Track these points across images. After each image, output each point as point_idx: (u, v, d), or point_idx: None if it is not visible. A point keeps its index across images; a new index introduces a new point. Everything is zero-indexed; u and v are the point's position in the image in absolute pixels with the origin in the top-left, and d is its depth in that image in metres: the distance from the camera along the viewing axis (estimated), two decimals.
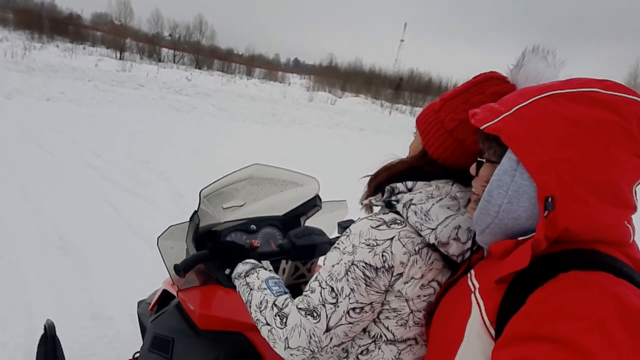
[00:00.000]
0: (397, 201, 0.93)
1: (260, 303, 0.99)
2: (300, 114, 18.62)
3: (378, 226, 0.89)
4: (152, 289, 1.87)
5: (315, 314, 0.89)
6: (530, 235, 0.68)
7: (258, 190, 1.59)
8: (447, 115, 0.93)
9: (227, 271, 1.13)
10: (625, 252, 0.67)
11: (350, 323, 0.88)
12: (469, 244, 0.88)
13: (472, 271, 0.80)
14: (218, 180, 1.43)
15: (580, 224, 0.65)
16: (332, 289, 0.88)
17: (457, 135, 0.92)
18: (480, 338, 0.69)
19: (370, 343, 0.93)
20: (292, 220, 1.64)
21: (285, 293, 1.02)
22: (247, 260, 1.13)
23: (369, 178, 1.03)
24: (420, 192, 0.92)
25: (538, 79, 0.83)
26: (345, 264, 0.88)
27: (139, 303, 1.87)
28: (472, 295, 0.74)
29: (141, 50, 51.07)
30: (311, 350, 0.89)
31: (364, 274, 0.86)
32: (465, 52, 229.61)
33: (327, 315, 0.88)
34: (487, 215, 0.73)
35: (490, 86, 0.92)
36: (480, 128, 0.73)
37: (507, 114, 0.70)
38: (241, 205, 1.57)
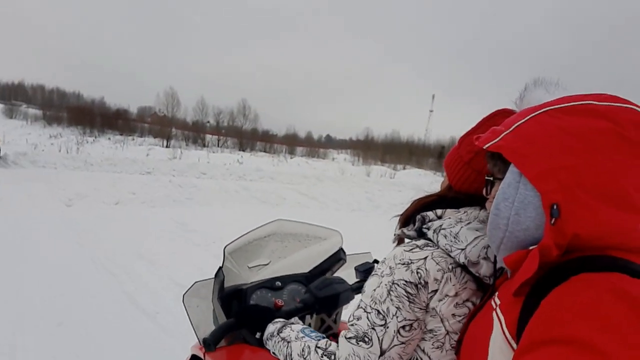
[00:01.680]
0: (428, 229, 0.96)
1: (302, 350, 0.99)
2: (385, 194, 15.83)
3: (411, 249, 0.93)
4: None
5: (367, 339, 0.89)
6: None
7: (282, 247, 1.58)
8: (465, 149, 1.03)
9: (258, 335, 1.12)
10: None
11: (403, 343, 0.89)
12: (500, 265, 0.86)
13: (496, 292, 0.80)
14: (242, 236, 1.43)
15: (589, 229, 0.65)
16: (379, 311, 0.89)
17: (474, 165, 1.00)
18: (503, 352, 0.69)
19: None
20: (317, 276, 1.57)
21: (324, 337, 1.02)
22: (277, 320, 1.13)
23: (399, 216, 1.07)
24: (450, 218, 0.96)
25: None
26: (386, 285, 0.90)
27: None
28: (494, 312, 0.75)
29: (186, 138, 51.68)
30: None
31: (405, 291, 0.88)
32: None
33: (379, 338, 0.88)
34: (497, 229, 0.74)
35: (499, 120, 0.92)
36: (484, 148, 0.76)
37: (507, 132, 0.74)
38: (266, 264, 1.55)
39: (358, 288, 1.36)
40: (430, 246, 0.93)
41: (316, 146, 68.33)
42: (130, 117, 61.42)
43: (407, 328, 0.89)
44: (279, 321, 1.13)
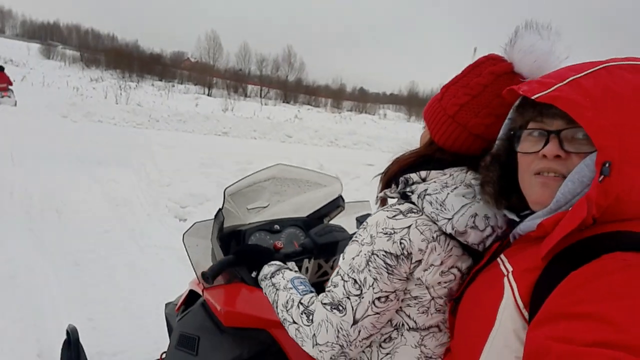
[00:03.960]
0: (412, 192, 0.90)
1: (287, 302, 0.98)
2: None
3: (394, 216, 0.87)
4: None
5: (340, 307, 0.87)
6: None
7: (282, 191, 1.56)
8: (449, 101, 0.93)
9: (254, 274, 1.12)
10: None
11: (377, 313, 0.86)
12: (487, 231, 0.85)
13: (504, 257, 0.76)
14: (242, 179, 1.43)
15: (632, 193, 0.63)
16: (355, 280, 0.87)
17: (459, 119, 0.91)
18: (514, 321, 0.66)
19: (393, 331, 0.91)
20: (315, 221, 1.59)
21: (311, 292, 1.00)
22: (273, 262, 1.12)
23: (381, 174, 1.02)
24: (435, 182, 0.90)
25: (533, 52, 0.84)
26: (365, 254, 0.86)
27: (166, 305, 1.81)
28: (505, 278, 0.70)
29: (228, 87, 48.18)
30: (340, 345, 0.87)
31: (384, 262, 0.84)
32: None
33: (352, 308, 0.86)
34: (571, 194, 0.67)
35: (486, 67, 0.91)
36: (532, 97, 0.70)
37: (561, 84, 0.68)
38: (265, 207, 1.54)
39: None
40: (415, 212, 0.87)
41: (362, 100, 63.65)
42: (165, 62, 57.73)
43: (383, 299, 0.86)
44: (274, 264, 1.11)
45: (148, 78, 42.67)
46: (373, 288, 0.85)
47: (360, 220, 1.47)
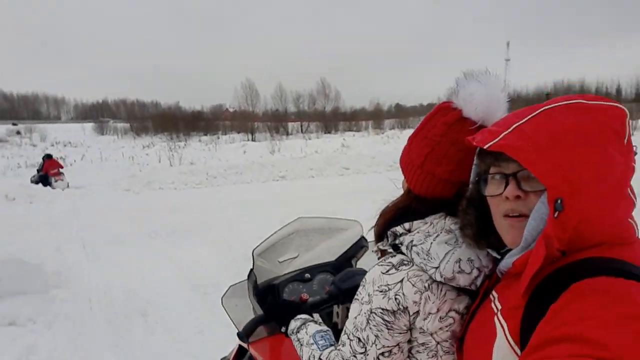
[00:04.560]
0: (401, 244, 0.94)
1: (309, 358, 1.04)
2: None
3: (388, 271, 0.91)
4: None
5: None
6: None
7: (308, 241, 1.63)
8: (415, 152, 0.99)
9: (283, 329, 1.18)
10: (634, 251, 0.70)
11: None
12: (475, 273, 0.88)
13: (495, 294, 0.80)
14: (267, 238, 1.48)
15: (589, 222, 0.68)
16: (359, 339, 0.91)
17: (427, 168, 0.96)
18: (507, 358, 0.69)
19: None
20: (344, 263, 1.63)
21: (331, 345, 1.05)
22: (299, 317, 1.17)
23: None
24: (418, 232, 0.93)
25: (474, 98, 0.91)
26: (365, 313, 0.90)
27: None
28: (495, 317, 0.75)
29: (269, 128, 48.95)
30: None
31: (383, 319, 0.88)
32: (582, 52, 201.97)
33: None
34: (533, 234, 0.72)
35: (439, 118, 0.97)
36: (484, 147, 0.76)
37: (506, 132, 0.74)
38: (295, 257, 1.60)
39: None
40: (406, 263, 0.91)
41: (401, 116, 62.46)
42: (206, 117, 60.02)
43: (387, 354, 0.89)
44: (300, 318, 1.16)
45: (194, 135, 44.17)
46: (376, 345, 0.89)
47: None
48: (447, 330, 0.89)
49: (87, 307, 3.62)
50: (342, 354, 0.94)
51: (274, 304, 1.23)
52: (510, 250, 0.78)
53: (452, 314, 0.88)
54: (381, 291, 0.88)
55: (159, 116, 51.08)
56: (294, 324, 1.15)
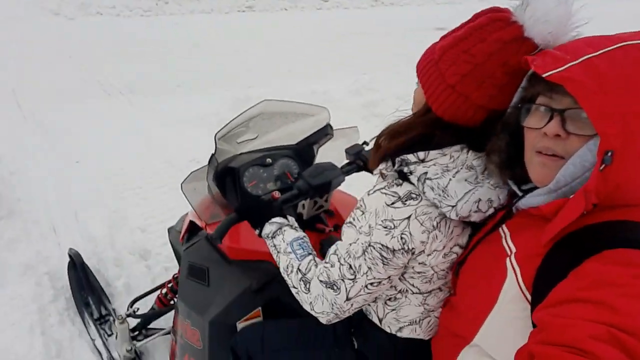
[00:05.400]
0: (411, 173, 0.85)
1: (287, 267, 1.01)
2: None
3: (393, 203, 0.84)
4: None
5: (335, 287, 0.89)
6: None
7: (270, 124, 1.59)
8: (448, 68, 0.81)
9: (257, 231, 1.12)
10: None
11: (369, 293, 0.89)
12: (490, 212, 0.83)
13: (507, 231, 0.77)
14: (230, 121, 1.44)
15: (631, 182, 0.64)
16: (350, 266, 0.87)
17: (461, 90, 0.80)
18: (515, 303, 0.69)
19: (397, 293, 0.94)
20: (305, 148, 1.59)
21: (309, 254, 1.01)
22: (274, 220, 1.11)
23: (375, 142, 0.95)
24: (435, 165, 0.84)
25: (547, 18, 0.74)
26: (362, 244, 0.86)
27: (169, 230, 1.85)
28: (508, 259, 0.72)
29: None
30: (335, 314, 0.91)
31: (381, 255, 0.84)
32: None
33: (346, 289, 0.88)
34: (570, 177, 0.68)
35: (492, 32, 0.78)
36: (543, 76, 0.67)
37: (573, 63, 0.65)
38: (254, 138, 1.56)
39: (348, 171, 1.34)
40: (414, 197, 0.83)
41: None
42: None
43: (376, 284, 0.87)
44: (275, 222, 1.10)
45: None
46: (367, 275, 0.86)
47: (350, 152, 1.38)
48: (447, 262, 0.88)
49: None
50: (329, 273, 0.90)
51: (247, 204, 1.18)
52: (533, 188, 0.74)
53: (456, 248, 0.87)
54: (385, 227, 0.82)
55: None
56: (269, 228, 1.09)
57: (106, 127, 3.97)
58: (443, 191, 0.80)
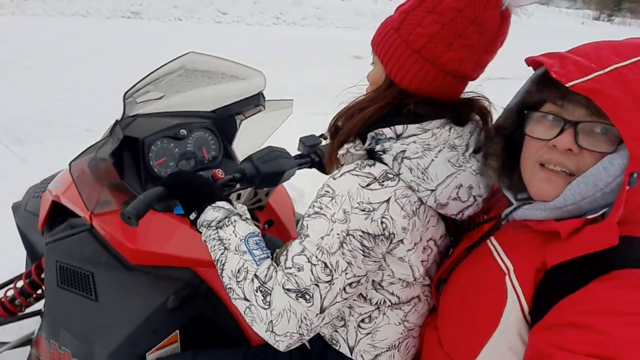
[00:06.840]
0: (384, 151, 0.77)
1: (239, 271, 0.81)
2: None
3: (369, 185, 0.76)
4: None
5: (307, 296, 0.75)
6: (600, 212, 0.62)
7: (185, 82, 1.25)
8: (412, 31, 0.75)
9: (193, 216, 0.90)
10: None
11: (345, 299, 0.78)
12: (469, 202, 0.79)
13: (497, 244, 0.73)
14: (146, 76, 1.13)
15: None
16: (326, 264, 0.75)
17: (427, 54, 0.74)
18: (518, 324, 0.66)
19: (373, 310, 0.86)
20: (225, 119, 1.33)
21: (267, 257, 0.84)
22: (219, 205, 0.89)
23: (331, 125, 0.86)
24: (414, 142, 0.76)
25: None
26: (339, 234, 0.75)
27: (15, 207, 1.44)
28: (507, 278, 0.68)
29: None
30: (299, 334, 0.76)
31: (361, 244, 0.75)
32: None
33: (321, 296, 0.75)
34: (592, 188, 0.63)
35: None
36: (567, 85, 0.61)
37: (600, 72, 0.60)
38: (158, 98, 1.21)
39: (300, 164, 1.16)
40: (390, 177, 0.76)
41: None
42: None
43: (354, 285, 0.77)
44: (222, 208, 0.88)
45: None
46: (346, 273, 0.75)
47: (306, 143, 1.19)
48: (425, 261, 0.81)
49: None
50: (298, 279, 0.74)
51: (179, 178, 0.92)
52: (529, 197, 0.71)
53: (431, 243, 0.82)
54: (363, 210, 0.74)
55: None
56: (212, 214, 0.87)
57: None
58: (423, 173, 0.74)
